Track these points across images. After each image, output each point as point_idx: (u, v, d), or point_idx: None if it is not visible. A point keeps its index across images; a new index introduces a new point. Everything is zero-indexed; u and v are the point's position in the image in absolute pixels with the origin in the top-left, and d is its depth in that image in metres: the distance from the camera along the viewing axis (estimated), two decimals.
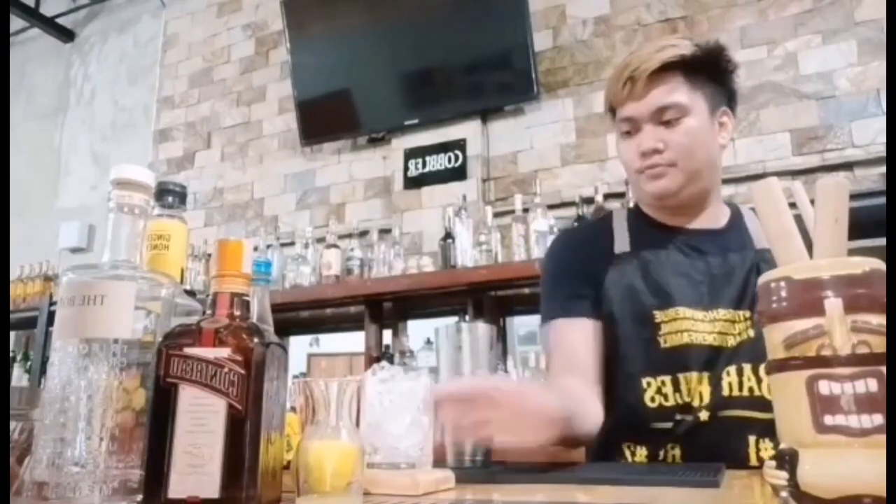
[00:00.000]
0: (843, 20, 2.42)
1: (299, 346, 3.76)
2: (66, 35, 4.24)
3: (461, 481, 0.76)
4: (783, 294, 0.53)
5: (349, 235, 2.97)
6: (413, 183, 2.96)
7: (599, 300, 1.09)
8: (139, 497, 0.58)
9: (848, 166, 2.30)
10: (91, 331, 0.60)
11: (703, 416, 1.00)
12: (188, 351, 0.58)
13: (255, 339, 0.60)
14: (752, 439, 0.98)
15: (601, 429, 1.05)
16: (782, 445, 0.53)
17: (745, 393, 1.00)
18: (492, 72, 2.85)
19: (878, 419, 0.47)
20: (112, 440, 0.58)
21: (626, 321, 1.06)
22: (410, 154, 2.99)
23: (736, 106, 1.19)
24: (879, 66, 2.32)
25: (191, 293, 0.96)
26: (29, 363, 3.34)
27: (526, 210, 2.55)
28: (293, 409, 0.99)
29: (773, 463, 0.53)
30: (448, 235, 2.62)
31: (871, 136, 2.29)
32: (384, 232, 2.89)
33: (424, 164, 2.95)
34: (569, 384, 1.04)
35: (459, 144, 2.90)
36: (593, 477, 0.76)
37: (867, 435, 0.47)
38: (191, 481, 0.55)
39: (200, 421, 0.57)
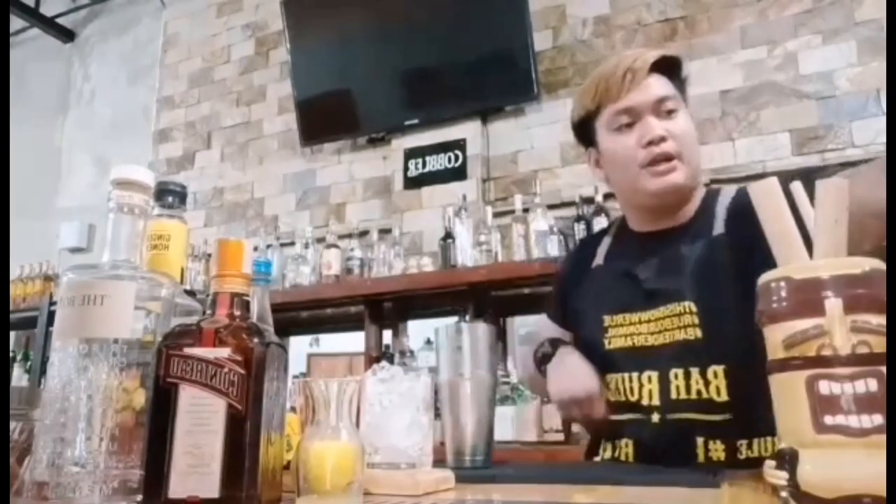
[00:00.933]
0: (843, 20, 2.42)
1: (299, 346, 3.76)
2: (66, 35, 4.24)
3: (461, 481, 0.76)
4: (783, 294, 0.53)
5: (349, 235, 2.97)
6: (413, 183, 2.96)
7: (568, 313, 1.21)
8: (139, 497, 0.58)
9: (848, 166, 2.30)
10: (91, 331, 0.60)
11: (655, 418, 1.02)
12: (188, 351, 0.58)
13: (255, 339, 0.60)
14: (699, 440, 0.98)
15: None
16: (782, 445, 0.53)
17: (693, 396, 0.99)
18: (492, 72, 2.84)
19: (878, 419, 0.47)
20: (112, 440, 0.58)
21: (584, 329, 1.15)
22: (410, 154, 2.99)
23: None
24: (879, 66, 2.32)
25: (191, 293, 0.96)
26: (29, 363, 3.34)
27: (526, 210, 2.55)
28: (293, 409, 0.99)
29: (773, 463, 0.53)
30: (448, 235, 2.62)
31: (871, 136, 2.29)
32: (384, 232, 2.89)
33: (424, 164, 2.95)
34: None
35: (459, 144, 2.90)
36: (593, 477, 0.76)
37: (867, 435, 0.47)
38: (191, 481, 0.55)
39: (200, 421, 0.57)
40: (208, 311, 0.62)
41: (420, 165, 2.96)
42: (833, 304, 0.50)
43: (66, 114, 4.14)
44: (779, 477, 0.51)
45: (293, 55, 3.26)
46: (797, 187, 0.60)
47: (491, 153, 2.90)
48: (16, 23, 4.19)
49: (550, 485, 0.77)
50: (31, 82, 4.32)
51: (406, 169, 2.98)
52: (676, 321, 1.02)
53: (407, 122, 3.00)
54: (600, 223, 2.40)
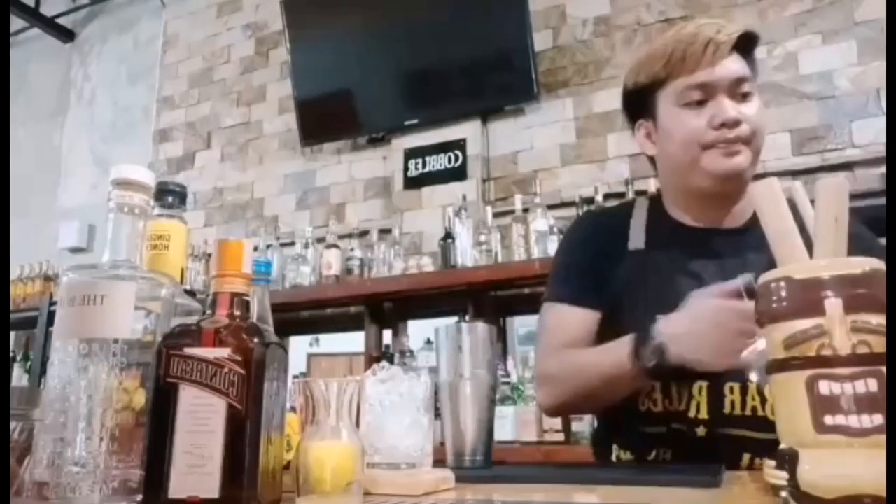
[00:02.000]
0: (843, 20, 2.42)
1: (299, 346, 3.76)
2: (66, 35, 4.24)
3: (461, 481, 0.76)
4: (783, 294, 0.53)
5: (349, 235, 2.97)
6: (413, 183, 2.96)
7: (604, 295, 1.06)
8: (139, 497, 0.58)
9: (848, 166, 2.30)
10: (91, 331, 0.60)
11: (700, 431, 0.97)
12: (188, 351, 0.58)
13: (255, 339, 0.60)
14: (746, 456, 0.95)
15: (596, 427, 1.03)
16: (782, 445, 0.53)
17: (748, 412, 0.96)
18: (492, 72, 2.84)
19: (878, 419, 0.47)
20: (112, 440, 0.58)
21: (628, 322, 1.01)
22: (410, 154, 2.99)
23: None
24: (879, 66, 2.32)
25: (191, 293, 0.96)
26: (29, 363, 3.34)
27: (526, 210, 2.55)
28: (293, 409, 0.99)
29: (773, 463, 0.53)
30: (448, 235, 2.62)
31: (871, 136, 2.29)
32: (384, 232, 2.89)
33: (424, 164, 2.95)
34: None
35: (459, 144, 2.90)
36: (593, 477, 0.76)
37: (867, 435, 0.47)
38: (191, 481, 0.55)
39: (200, 421, 0.57)
40: (208, 311, 0.62)
41: (420, 165, 2.96)
42: (833, 304, 0.50)
43: (66, 114, 4.14)
44: (779, 477, 0.51)
45: (293, 55, 3.26)
46: (797, 187, 0.61)
47: (491, 153, 2.90)
48: (16, 23, 4.19)
49: (550, 485, 0.77)
50: (31, 82, 4.32)
51: (406, 169, 2.98)
52: None
53: (407, 122, 3.00)
54: None
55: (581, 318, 1.08)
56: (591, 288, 1.08)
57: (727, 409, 0.96)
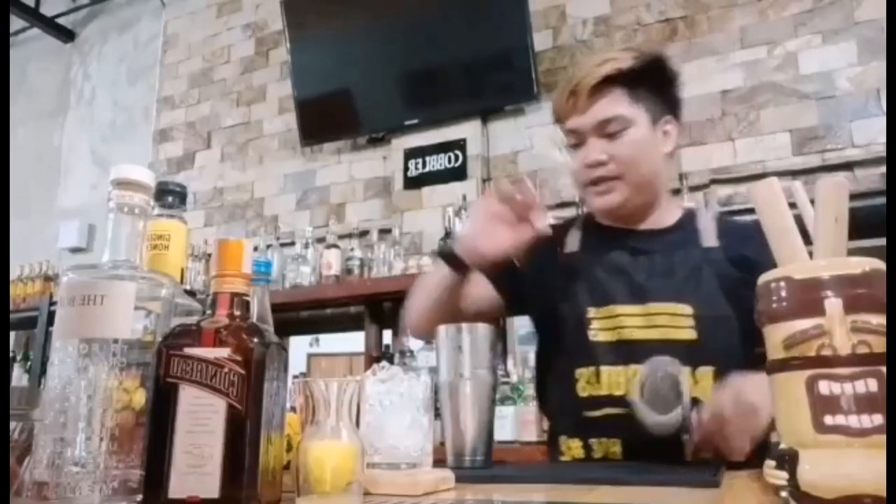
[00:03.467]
0: (843, 20, 2.42)
1: (299, 346, 3.76)
2: (66, 35, 4.24)
3: (461, 481, 0.76)
4: (783, 294, 0.53)
5: (349, 235, 2.97)
6: (413, 183, 2.96)
7: (524, 296, 1.18)
8: (139, 497, 0.58)
9: (848, 166, 2.30)
10: (91, 331, 0.60)
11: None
12: (188, 351, 0.58)
13: (255, 339, 0.60)
14: (685, 438, 0.98)
15: (549, 425, 1.16)
16: (782, 445, 0.53)
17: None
18: (492, 72, 2.84)
19: (878, 419, 0.47)
20: (112, 440, 0.58)
21: (566, 319, 1.12)
22: (410, 154, 2.99)
23: (681, 113, 1.18)
24: (879, 66, 2.32)
25: (191, 293, 0.96)
26: (29, 363, 3.34)
27: None
28: (293, 409, 0.99)
29: (773, 463, 0.53)
30: (448, 235, 2.62)
31: (871, 136, 2.29)
32: (384, 232, 2.89)
33: (424, 164, 2.95)
34: None
35: (459, 144, 2.90)
36: (593, 477, 0.76)
37: (867, 435, 0.47)
38: (191, 481, 0.55)
39: (200, 421, 0.57)
40: (208, 311, 0.62)
41: (420, 165, 2.96)
42: (833, 304, 0.50)
43: (66, 114, 4.14)
44: (779, 477, 0.51)
45: (293, 55, 3.26)
46: (797, 187, 0.61)
47: (491, 153, 2.90)
48: (16, 23, 4.19)
49: (550, 485, 0.77)
50: (31, 82, 4.32)
51: (406, 169, 2.98)
52: (670, 320, 1.04)
53: (407, 122, 3.00)
54: None
55: (484, 288, 1.17)
56: (510, 282, 1.18)
57: None
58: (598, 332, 1.08)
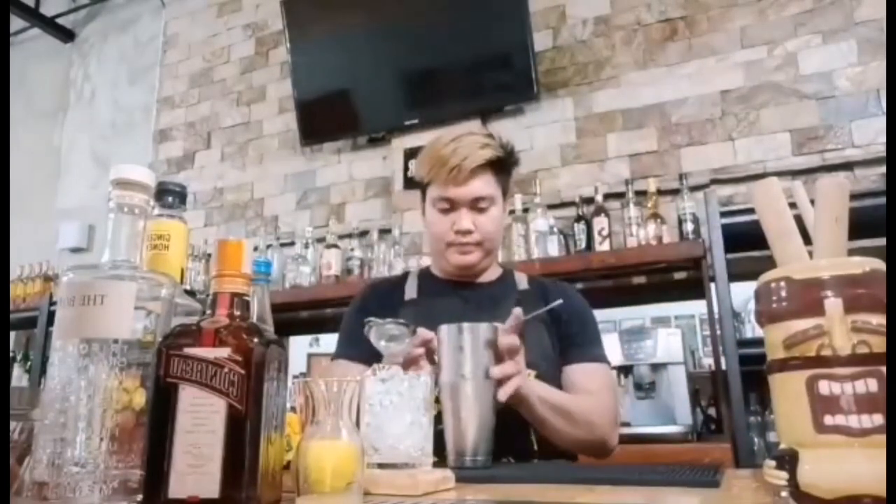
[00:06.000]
0: (843, 20, 2.42)
1: (299, 346, 3.76)
2: (66, 35, 4.24)
3: (461, 481, 0.76)
4: (783, 294, 0.53)
5: (349, 235, 2.97)
6: (413, 183, 2.93)
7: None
8: (139, 497, 0.58)
9: (848, 166, 2.30)
10: (91, 331, 0.60)
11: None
12: (188, 351, 0.58)
13: (255, 339, 0.60)
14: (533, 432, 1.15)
15: None
16: (782, 445, 0.53)
17: None
18: (492, 72, 2.84)
19: (878, 419, 0.47)
20: (112, 440, 0.58)
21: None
22: (410, 154, 2.98)
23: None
24: (879, 66, 2.32)
25: (191, 293, 0.96)
26: (29, 363, 3.34)
27: (526, 210, 2.55)
28: (293, 409, 0.99)
29: (773, 463, 0.53)
30: None
31: (871, 136, 2.29)
32: (384, 232, 2.89)
33: None
34: None
35: None
36: (593, 477, 0.76)
37: (867, 435, 0.47)
38: (191, 481, 0.55)
39: (200, 421, 0.57)
40: (208, 311, 0.62)
41: None
42: (833, 304, 0.50)
43: (65, 114, 4.14)
44: (779, 477, 0.51)
45: (293, 55, 3.26)
46: (797, 187, 0.61)
47: None
48: (16, 23, 4.19)
49: (550, 485, 0.76)
50: (31, 82, 4.32)
51: (406, 169, 2.98)
52: None
53: (407, 122, 3.00)
54: (600, 223, 2.41)
55: (355, 369, 1.28)
56: (360, 341, 1.26)
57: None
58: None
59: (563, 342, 1.29)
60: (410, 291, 1.38)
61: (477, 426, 0.96)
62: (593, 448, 1.22)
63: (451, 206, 1.29)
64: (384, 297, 1.39)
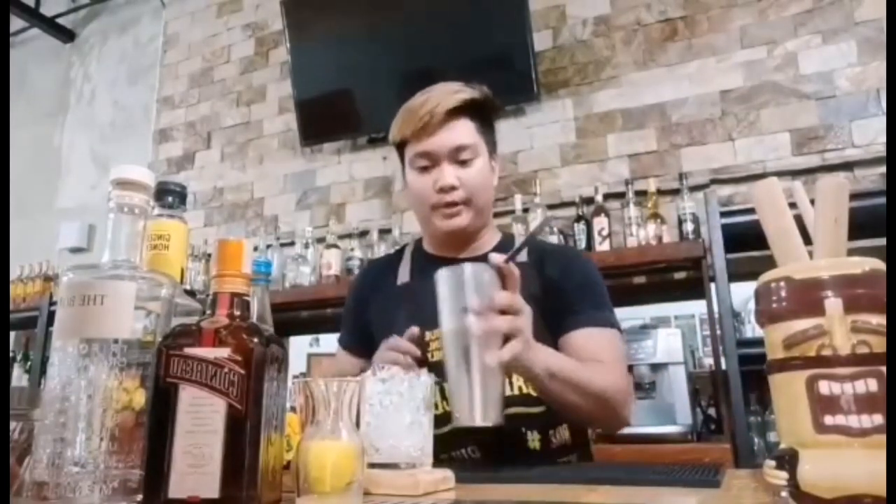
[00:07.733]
0: (843, 20, 2.42)
1: (299, 346, 3.76)
2: (66, 35, 4.24)
3: (461, 481, 0.76)
4: (783, 294, 0.53)
5: (349, 235, 2.97)
6: None
7: (374, 339, 1.17)
8: (139, 497, 0.58)
9: (848, 166, 2.30)
10: (91, 331, 0.60)
11: None
12: (188, 351, 0.58)
13: (255, 339, 0.60)
14: (527, 432, 1.10)
15: None
16: (782, 445, 0.53)
17: (516, 392, 1.09)
18: (492, 72, 2.84)
19: (878, 419, 0.47)
20: (112, 440, 0.58)
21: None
22: None
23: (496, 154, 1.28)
24: (879, 66, 2.32)
25: (191, 293, 0.96)
26: (29, 363, 3.34)
27: (526, 210, 2.55)
28: (293, 409, 0.99)
29: (773, 463, 0.53)
30: None
31: (871, 136, 2.29)
32: (384, 232, 2.89)
33: None
34: None
35: None
36: (593, 477, 0.76)
37: (867, 435, 0.47)
38: (191, 481, 0.55)
39: (200, 421, 0.57)
40: (208, 311, 0.62)
41: None
42: (833, 304, 0.50)
43: (65, 114, 4.14)
44: (779, 477, 0.51)
45: (293, 55, 3.26)
46: (797, 187, 0.61)
47: None
48: (16, 23, 4.19)
49: (550, 485, 0.76)
50: (31, 82, 4.32)
51: None
52: None
53: None
54: (600, 223, 2.41)
55: (347, 362, 1.29)
56: (355, 332, 1.28)
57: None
58: (434, 352, 1.11)
59: (564, 310, 1.14)
60: (403, 274, 1.28)
61: (484, 378, 0.84)
62: (608, 422, 1.13)
63: (431, 161, 1.15)
64: (377, 281, 1.31)
